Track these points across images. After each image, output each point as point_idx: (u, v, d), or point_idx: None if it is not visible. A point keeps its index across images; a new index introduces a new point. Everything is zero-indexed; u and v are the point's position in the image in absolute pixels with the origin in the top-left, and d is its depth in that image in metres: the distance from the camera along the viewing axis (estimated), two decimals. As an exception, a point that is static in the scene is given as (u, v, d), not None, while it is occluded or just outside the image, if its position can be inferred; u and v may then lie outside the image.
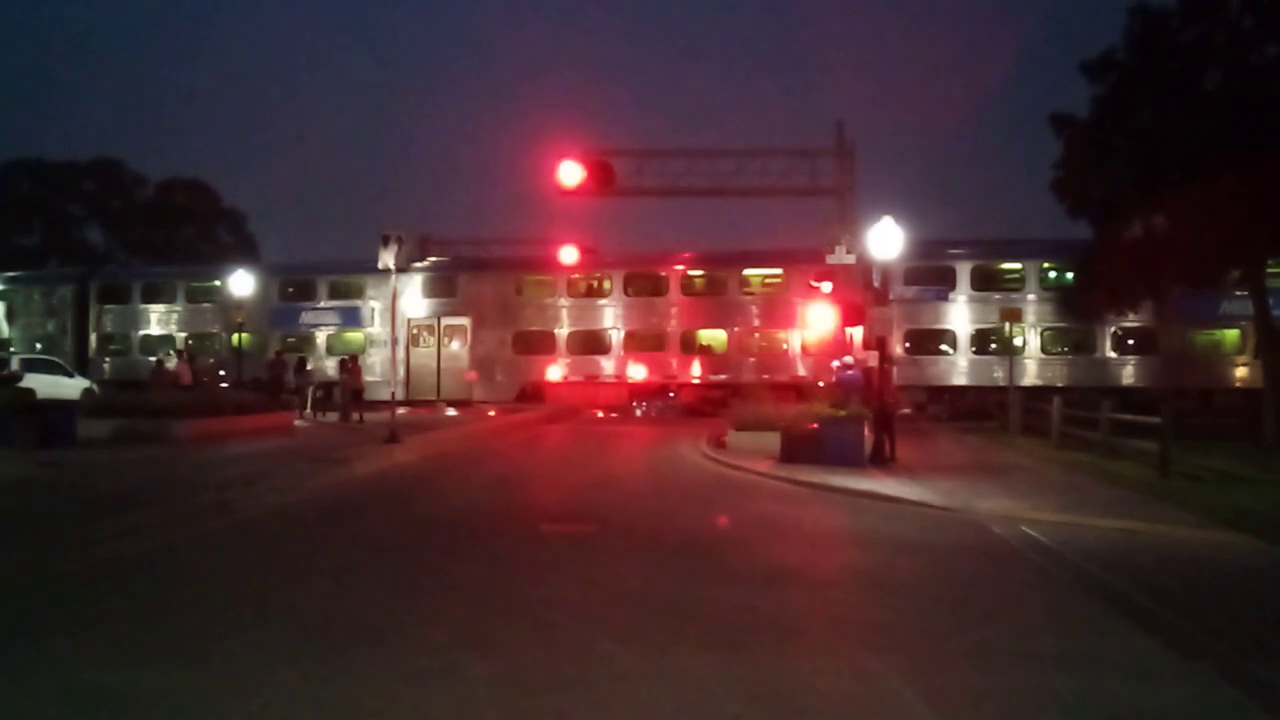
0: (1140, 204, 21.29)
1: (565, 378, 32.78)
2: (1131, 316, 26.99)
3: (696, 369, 32.11)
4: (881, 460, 16.34)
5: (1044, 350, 29.64)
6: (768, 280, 32.49)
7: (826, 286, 26.85)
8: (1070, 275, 27.91)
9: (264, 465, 14.23)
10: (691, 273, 32.84)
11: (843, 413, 17.26)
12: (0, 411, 18.11)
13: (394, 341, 24.05)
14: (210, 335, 35.56)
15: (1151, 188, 20.12)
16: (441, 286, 33.88)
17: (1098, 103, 21.61)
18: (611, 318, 32.74)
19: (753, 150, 24.48)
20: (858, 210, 22.62)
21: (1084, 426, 19.43)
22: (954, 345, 29.98)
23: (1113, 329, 28.86)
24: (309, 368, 30.48)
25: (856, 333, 22.62)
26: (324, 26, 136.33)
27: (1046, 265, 29.62)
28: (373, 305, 33.87)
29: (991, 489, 13.37)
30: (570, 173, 23.51)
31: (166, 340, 35.34)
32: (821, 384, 26.11)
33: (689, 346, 32.34)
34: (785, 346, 31.75)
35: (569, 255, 32.02)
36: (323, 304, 34.82)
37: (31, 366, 26.77)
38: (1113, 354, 29.34)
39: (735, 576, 8.06)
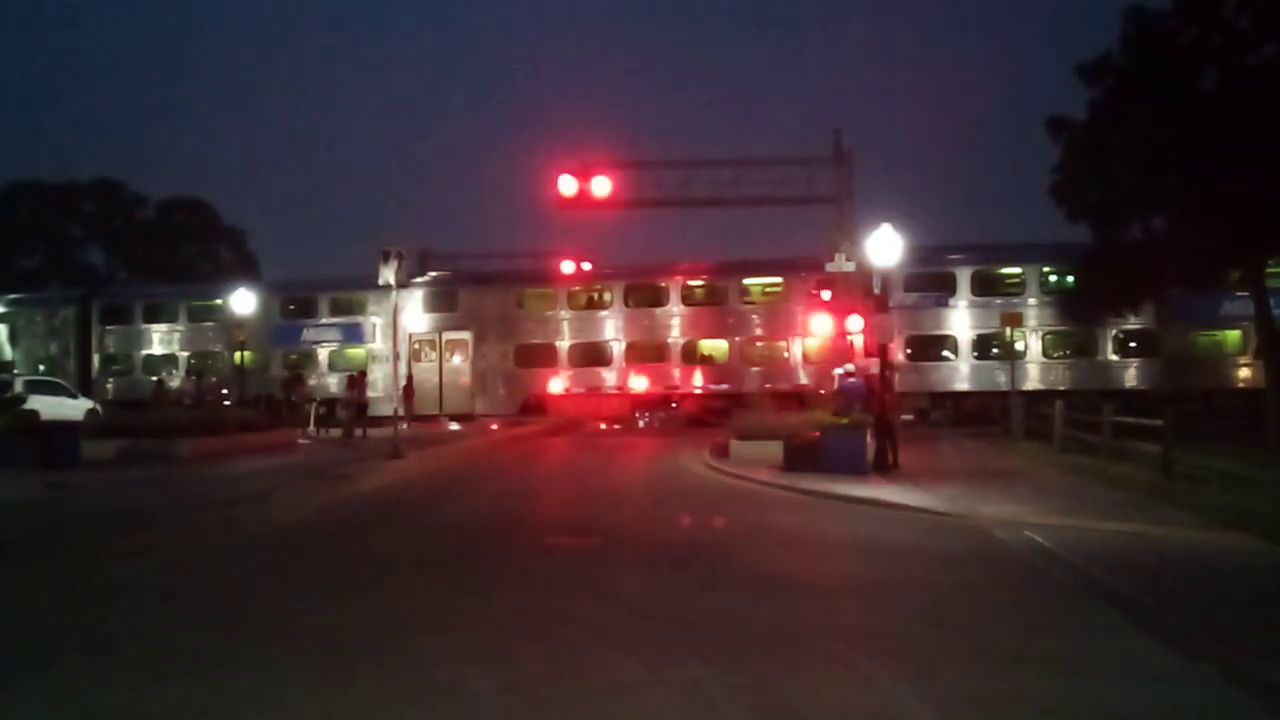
0: (1139, 206, 21.35)
1: (567, 390, 32.81)
2: (1133, 319, 27.04)
3: (698, 379, 32.14)
4: (884, 467, 16.34)
5: (1045, 354, 29.64)
6: (768, 289, 32.55)
7: (827, 294, 26.89)
8: (1071, 279, 27.93)
9: (268, 483, 14.23)
10: (692, 283, 32.90)
11: (845, 420, 17.26)
12: (5, 433, 18.23)
13: (395, 357, 24.14)
14: (213, 354, 35.63)
15: (1150, 190, 20.19)
16: (442, 301, 33.96)
17: (1095, 106, 21.68)
18: (612, 329, 32.79)
19: (750, 160, 24.58)
20: (856, 218, 22.72)
21: (1087, 430, 19.42)
22: (955, 351, 29.99)
23: (1114, 332, 28.88)
24: (311, 383, 30.48)
25: (858, 340, 22.65)
26: (322, 43, 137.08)
27: (1047, 269, 29.63)
28: (374, 321, 33.92)
29: (994, 494, 13.37)
30: (569, 185, 23.60)
31: (169, 360, 35.44)
32: (823, 392, 26.11)
33: (690, 357, 32.38)
34: (786, 355, 31.77)
35: (569, 268, 32.12)
36: (324, 321, 34.90)
37: (35, 388, 26.82)
38: (1114, 357, 29.35)
39: (739, 585, 8.08)
